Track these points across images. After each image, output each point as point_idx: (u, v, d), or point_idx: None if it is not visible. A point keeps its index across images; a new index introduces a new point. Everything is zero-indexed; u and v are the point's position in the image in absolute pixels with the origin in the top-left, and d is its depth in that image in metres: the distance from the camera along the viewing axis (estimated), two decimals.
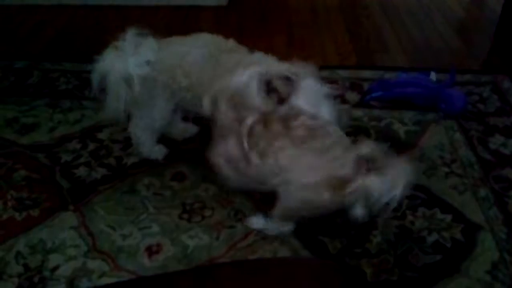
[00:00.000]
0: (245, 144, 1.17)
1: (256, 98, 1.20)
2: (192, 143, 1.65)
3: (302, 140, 1.14)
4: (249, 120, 1.18)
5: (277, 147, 1.14)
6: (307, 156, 1.14)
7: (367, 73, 2.02)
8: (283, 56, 2.17)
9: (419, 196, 1.46)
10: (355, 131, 1.70)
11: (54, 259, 1.27)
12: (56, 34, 2.32)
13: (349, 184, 1.10)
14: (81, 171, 1.53)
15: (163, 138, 1.58)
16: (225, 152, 1.21)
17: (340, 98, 1.86)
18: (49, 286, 1.21)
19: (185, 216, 1.40)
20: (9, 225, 1.37)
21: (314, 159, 1.14)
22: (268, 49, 2.21)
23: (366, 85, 1.94)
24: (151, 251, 1.30)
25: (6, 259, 1.27)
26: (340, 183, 1.11)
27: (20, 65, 2.07)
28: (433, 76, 1.88)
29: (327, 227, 1.36)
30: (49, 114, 1.77)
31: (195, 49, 1.40)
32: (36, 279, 1.23)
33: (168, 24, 2.32)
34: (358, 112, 1.79)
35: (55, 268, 1.25)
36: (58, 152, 1.60)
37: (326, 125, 1.20)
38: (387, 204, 1.11)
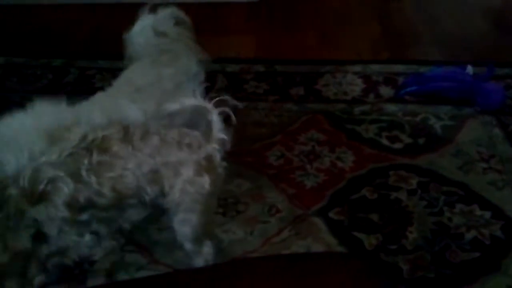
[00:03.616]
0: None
1: None
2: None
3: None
4: None
5: None
6: None
7: (400, 67, 1.99)
8: (315, 51, 2.19)
9: (456, 192, 1.44)
10: (389, 127, 1.69)
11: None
12: (91, 33, 2.36)
13: None
14: None
15: None
16: None
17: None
18: (89, 278, 1.24)
19: (220, 210, 1.41)
20: None
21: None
22: (300, 45, 2.23)
23: (400, 80, 1.91)
24: None
25: None
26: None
27: (57, 63, 2.12)
28: (469, 70, 1.84)
29: (363, 223, 1.35)
30: None
31: None
32: (76, 271, 1.26)
33: (200, 22, 2.32)
34: (392, 107, 1.77)
35: (95, 261, 1.28)
36: None
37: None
38: None
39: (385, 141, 1.63)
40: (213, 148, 1.14)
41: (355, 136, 1.65)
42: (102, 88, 1.91)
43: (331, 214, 1.39)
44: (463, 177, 1.48)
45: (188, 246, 1.19)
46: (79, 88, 1.96)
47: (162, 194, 1.13)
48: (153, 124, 1.16)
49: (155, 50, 1.43)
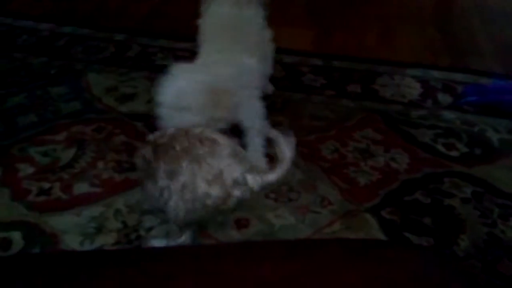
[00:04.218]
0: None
1: None
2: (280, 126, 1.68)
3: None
4: None
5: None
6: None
7: (460, 76, 1.97)
8: (373, 50, 2.18)
9: (511, 206, 1.42)
10: (446, 134, 1.68)
11: (149, 220, 1.34)
12: (149, 11, 2.40)
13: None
14: None
15: None
16: None
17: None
18: (145, 244, 1.28)
19: (272, 195, 1.44)
20: (108, 184, 1.46)
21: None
22: (358, 42, 2.23)
23: (459, 88, 1.90)
24: (240, 224, 1.34)
25: (106, 215, 1.36)
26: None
27: (119, 37, 2.18)
28: None
29: (415, 225, 1.36)
30: (147, 86, 1.85)
31: None
32: (133, 236, 1.31)
33: None
34: (450, 115, 1.76)
35: (150, 228, 1.33)
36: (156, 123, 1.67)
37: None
38: None
39: (441, 148, 1.62)
40: (228, 166, 1.13)
41: (411, 139, 1.64)
42: (163, 66, 1.98)
43: (383, 213, 1.39)
44: None
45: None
46: (139, 64, 2.00)
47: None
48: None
49: None
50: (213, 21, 1.51)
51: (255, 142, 1.45)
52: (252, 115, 1.43)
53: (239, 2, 1.51)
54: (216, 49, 1.42)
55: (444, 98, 1.85)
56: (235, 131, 1.45)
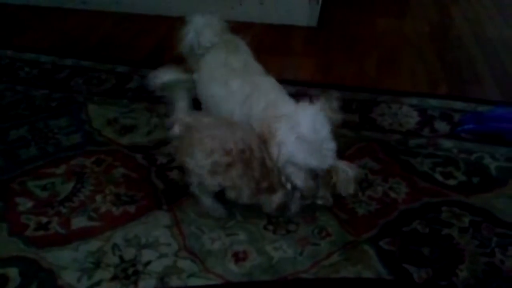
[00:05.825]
0: None
1: None
2: None
3: None
4: None
5: None
6: None
7: (458, 104, 1.98)
8: (371, 79, 2.20)
9: (510, 235, 1.42)
10: (444, 162, 1.68)
11: (147, 255, 1.35)
12: (155, 44, 2.45)
13: None
14: (175, 174, 1.61)
15: None
16: None
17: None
18: (142, 279, 1.28)
19: (270, 227, 1.44)
20: (106, 218, 1.46)
21: None
22: (357, 71, 2.25)
23: (456, 116, 1.91)
24: (238, 257, 1.34)
25: (104, 249, 1.36)
26: None
27: (121, 69, 2.21)
28: None
29: (414, 255, 1.35)
30: (147, 118, 1.88)
31: None
32: (130, 271, 1.30)
33: (261, 41, 2.40)
34: (448, 143, 1.76)
35: (148, 263, 1.32)
36: (154, 154, 1.69)
37: None
38: None
39: (439, 176, 1.62)
40: None
41: (409, 168, 1.65)
42: (161, 98, 2.00)
43: (382, 244, 1.39)
44: None
45: None
46: (139, 95, 2.03)
47: None
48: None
49: (221, 41, 1.69)
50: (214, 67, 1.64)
51: None
52: None
53: (229, 49, 1.66)
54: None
55: (441, 126, 1.86)
56: None
